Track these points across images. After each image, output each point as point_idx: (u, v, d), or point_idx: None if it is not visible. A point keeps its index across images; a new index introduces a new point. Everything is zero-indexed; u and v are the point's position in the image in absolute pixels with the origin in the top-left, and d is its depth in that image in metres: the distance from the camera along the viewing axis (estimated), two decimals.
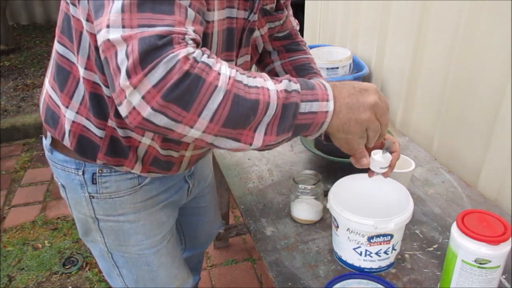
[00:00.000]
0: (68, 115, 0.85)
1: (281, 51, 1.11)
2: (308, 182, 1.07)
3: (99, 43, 0.61)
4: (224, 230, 2.04)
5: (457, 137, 1.31)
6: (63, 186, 0.96)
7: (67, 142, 0.88)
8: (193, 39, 0.61)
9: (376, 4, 1.63)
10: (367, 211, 0.87)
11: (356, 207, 0.88)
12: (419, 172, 1.28)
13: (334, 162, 1.23)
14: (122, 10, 0.58)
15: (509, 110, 1.09)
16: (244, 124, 0.66)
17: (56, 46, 0.84)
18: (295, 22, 1.14)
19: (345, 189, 0.95)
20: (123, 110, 0.61)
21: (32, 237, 2.24)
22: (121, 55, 0.58)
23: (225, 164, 1.34)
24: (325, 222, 1.08)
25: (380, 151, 0.86)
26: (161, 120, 0.60)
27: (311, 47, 1.78)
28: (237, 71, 0.65)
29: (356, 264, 0.92)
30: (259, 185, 1.23)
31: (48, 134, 0.93)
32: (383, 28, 1.60)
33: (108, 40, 0.59)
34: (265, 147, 0.72)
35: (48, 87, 0.90)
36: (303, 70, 1.07)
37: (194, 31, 0.63)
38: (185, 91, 0.58)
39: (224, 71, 0.62)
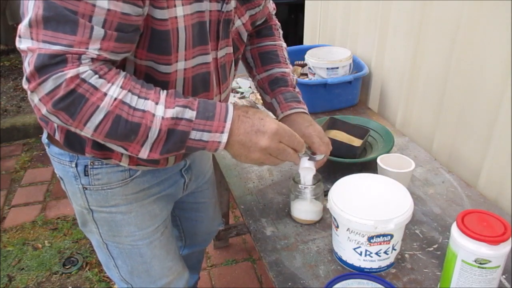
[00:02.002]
0: None
1: (253, 36, 1.12)
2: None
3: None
4: (224, 230, 2.04)
5: (457, 137, 1.31)
6: (61, 178, 0.99)
7: (57, 137, 0.90)
8: (93, 58, 0.68)
9: (376, 4, 1.63)
10: (367, 211, 0.87)
11: (356, 207, 0.88)
12: (419, 172, 1.28)
13: (334, 162, 1.23)
14: (30, 25, 0.66)
15: (509, 110, 1.09)
16: (128, 140, 0.73)
17: None
18: (272, 7, 1.15)
19: (345, 189, 0.95)
20: (31, 102, 0.71)
21: (32, 237, 2.24)
22: (26, 62, 0.67)
23: (225, 164, 1.34)
24: (325, 222, 1.08)
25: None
26: (55, 120, 0.71)
27: (311, 47, 1.78)
28: (129, 91, 0.71)
29: (356, 264, 0.92)
30: (259, 185, 1.23)
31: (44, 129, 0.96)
32: (383, 28, 1.60)
33: (19, 48, 0.68)
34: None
35: None
36: (267, 59, 1.10)
37: (100, 49, 0.68)
38: (69, 105, 0.68)
39: (112, 92, 0.69)
